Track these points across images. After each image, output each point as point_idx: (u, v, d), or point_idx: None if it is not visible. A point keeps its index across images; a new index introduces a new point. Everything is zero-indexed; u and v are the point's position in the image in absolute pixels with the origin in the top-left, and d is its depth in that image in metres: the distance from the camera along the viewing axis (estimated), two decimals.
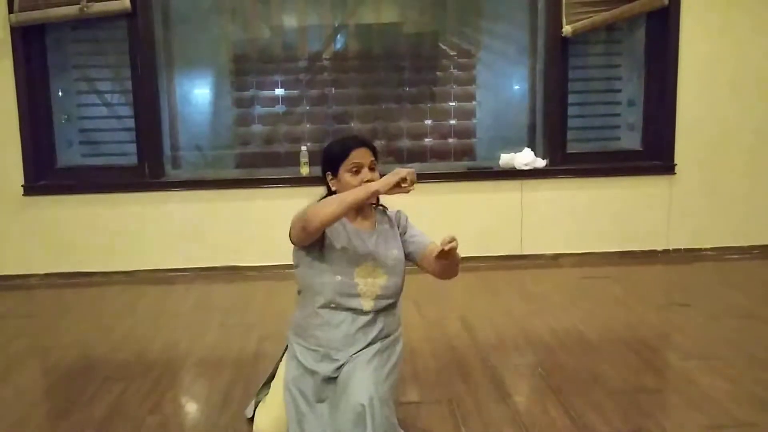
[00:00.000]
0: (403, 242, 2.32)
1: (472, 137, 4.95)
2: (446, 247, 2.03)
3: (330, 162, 2.23)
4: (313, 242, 2.18)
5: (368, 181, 2.17)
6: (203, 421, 2.59)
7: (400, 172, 2.04)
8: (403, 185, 2.05)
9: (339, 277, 2.16)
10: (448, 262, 2.15)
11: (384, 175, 2.12)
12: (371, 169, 2.21)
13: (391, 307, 2.26)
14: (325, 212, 2.06)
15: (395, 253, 2.27)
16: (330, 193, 2.26)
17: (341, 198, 2.09)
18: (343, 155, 2.19)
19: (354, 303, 2.17)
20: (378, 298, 2.21)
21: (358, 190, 2.10)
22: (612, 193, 4.78)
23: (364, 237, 2.24)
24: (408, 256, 2.32)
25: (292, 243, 2.22)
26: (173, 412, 2.68)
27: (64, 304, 4.15)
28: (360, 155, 2.19)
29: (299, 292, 2.30)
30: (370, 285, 2.19)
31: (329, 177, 2.25)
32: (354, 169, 2.18)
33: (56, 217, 4.57)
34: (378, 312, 2.21)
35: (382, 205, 2.37)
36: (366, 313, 2.18)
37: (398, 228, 2.34)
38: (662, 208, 4.81)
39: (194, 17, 4.77)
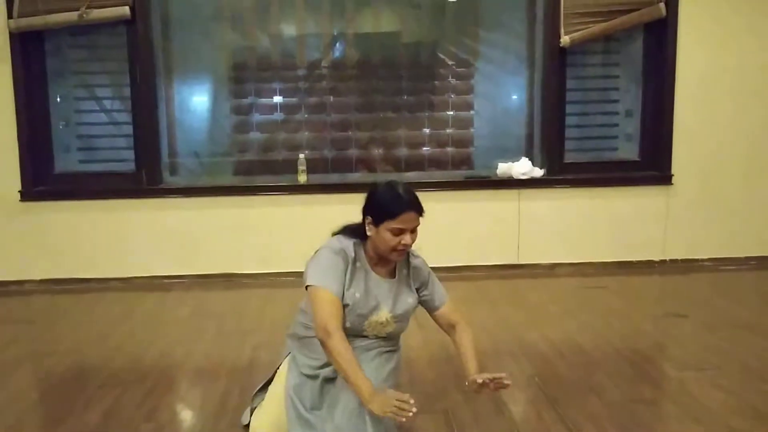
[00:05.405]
0: (419, 294, 2.31)
1: (469, 146, 4.96)
2: (489, 384, 2.08)
3: (375, 211, 2.15)
4: None
5: (404, 245, 2.11)
6: (198, 429, 2.57)
7: (401, 407, 1.87)
8: (399, 417, 1.87)
9: (348, 324, 2.15)
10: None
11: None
12: (412, 231, 2.15)
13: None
14: (331, 356, 2.01)
15: (409, 302, 2.27)
16: (361, 230, 2.20)
17: (345, 369, 1.97)
18: (392, 214, 2.10)
19: (358, 339, 2.20)
20: (382, 338, 2.25)
21: (359, 387, 1.94)
22: (609, 203, 4.78)
23: (383, 286, 2.22)
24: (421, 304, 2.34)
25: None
26: (168, 420, 2.66)
27: (60, 310, 4.14)
28: (408, 220, 2.11)
29: (305, 311, 2.29)
30: (378, 331, 2.22)
31: (368, 221, 2.17)
32: (397, 231, 2.11)
33: (53, 223, 4.56)
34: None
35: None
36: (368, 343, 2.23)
37: (413, 280, 2.29)
38: (659, 218, 4.81)
39: (193, 24, 4.77)
